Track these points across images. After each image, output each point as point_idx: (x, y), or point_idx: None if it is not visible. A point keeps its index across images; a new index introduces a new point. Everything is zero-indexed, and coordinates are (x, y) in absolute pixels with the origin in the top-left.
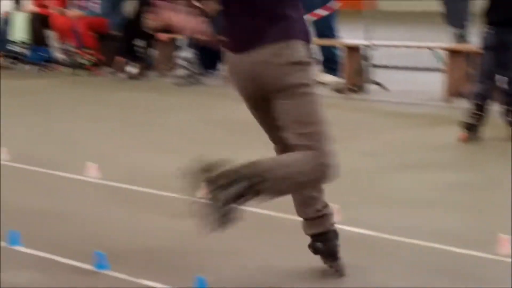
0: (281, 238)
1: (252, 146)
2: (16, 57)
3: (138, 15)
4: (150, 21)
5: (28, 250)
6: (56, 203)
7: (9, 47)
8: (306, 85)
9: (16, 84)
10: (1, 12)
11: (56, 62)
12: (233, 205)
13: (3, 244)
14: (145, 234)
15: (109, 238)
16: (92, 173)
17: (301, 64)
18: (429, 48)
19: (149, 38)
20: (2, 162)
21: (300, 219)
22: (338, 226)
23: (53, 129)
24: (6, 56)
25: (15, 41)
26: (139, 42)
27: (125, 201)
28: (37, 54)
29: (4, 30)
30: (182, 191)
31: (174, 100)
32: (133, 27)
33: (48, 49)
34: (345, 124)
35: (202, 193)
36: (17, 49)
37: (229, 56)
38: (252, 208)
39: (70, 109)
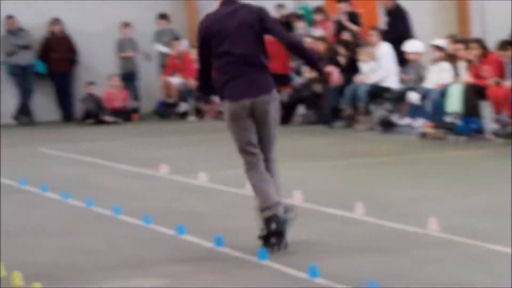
0: None
1: None
2: (449, 128)
3: None
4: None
5: None
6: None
7: (443, 119)
8: None
9: (446, 155)
10: (437, 84)
11: (488, 132)
12: None
13: None
14: None
15: None
16: None
17: None
18: None
19: None
20: (432, 233)
21: None
22: None
23: (482, 199)
24: (438, 127)
25: (450, 112)
26: None
27: None
28: (468, 125)
29: (440, 101)
30: None
31: None
32: None
33: (479, 120)
34: None
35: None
36: (449, 120)
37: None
38: None
39: (504, 181)
